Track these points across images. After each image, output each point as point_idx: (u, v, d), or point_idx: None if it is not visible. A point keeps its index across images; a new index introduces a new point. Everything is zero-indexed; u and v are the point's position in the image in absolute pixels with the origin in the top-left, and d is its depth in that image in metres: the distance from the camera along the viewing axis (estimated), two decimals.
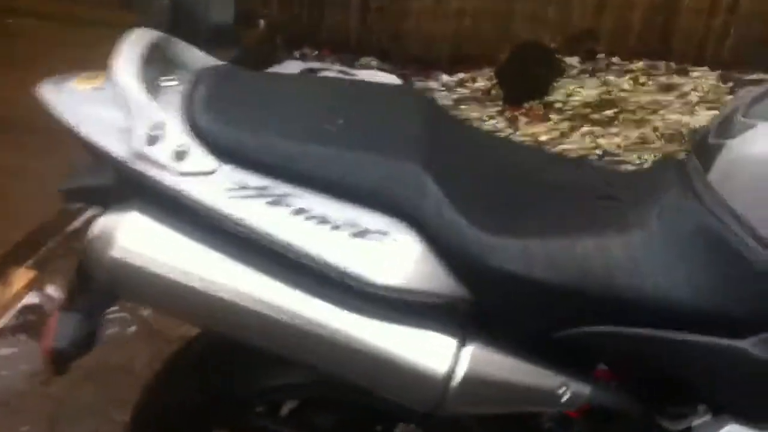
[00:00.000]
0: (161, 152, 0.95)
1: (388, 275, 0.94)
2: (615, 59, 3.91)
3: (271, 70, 2.65)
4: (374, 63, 3.94)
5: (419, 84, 3.78)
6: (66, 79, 1.05)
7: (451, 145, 1.06)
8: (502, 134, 3.31)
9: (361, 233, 0.95)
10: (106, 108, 0.98)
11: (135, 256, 0.98)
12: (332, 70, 2.76)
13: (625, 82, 3.76)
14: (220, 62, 1.15)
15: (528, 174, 1.10)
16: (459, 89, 3.79)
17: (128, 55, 1.01)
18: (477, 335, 0.99)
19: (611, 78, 3.79)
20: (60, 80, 1.05)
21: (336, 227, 0.95)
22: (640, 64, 3.88)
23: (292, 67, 2.98)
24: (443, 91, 3.76)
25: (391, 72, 3.39)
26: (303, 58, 3.90)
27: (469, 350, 0.98)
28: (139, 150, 0.95)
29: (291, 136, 0.99)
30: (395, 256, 0.95)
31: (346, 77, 2.49)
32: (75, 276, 1.09)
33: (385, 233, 0.95)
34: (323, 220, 0.95)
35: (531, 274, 0.95)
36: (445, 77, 3.87)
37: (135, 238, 0.98)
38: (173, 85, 1.04)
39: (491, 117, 3.53)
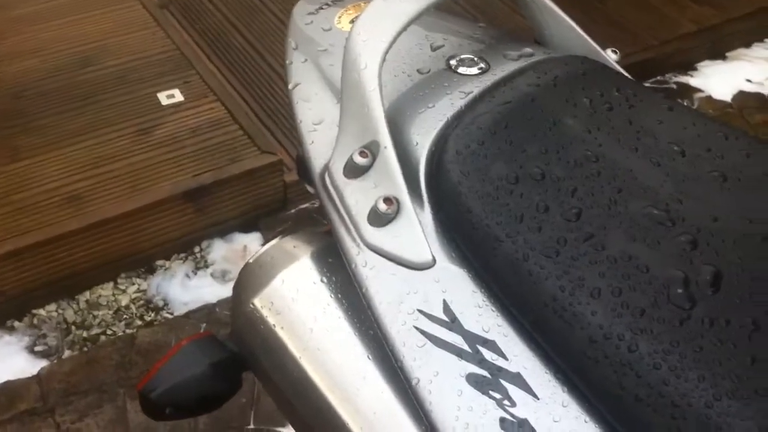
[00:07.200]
0: (355, 196, 0.62)
1: None
2: None
3: None
4: None
5: None
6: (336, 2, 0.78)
7: None
8: None
9: None
10: (334, 72, 0.68)
11: (275, 315, 0.70)
12: None
13: None
14: (592, 46, 0.76)
15: None
16: None
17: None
18: None
19: None
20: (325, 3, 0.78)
21: None
22: None
23: None
24: None
25: None
26: None
27: None
28: (333, 176, 0.64)
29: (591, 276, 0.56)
30: None
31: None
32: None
33: None
34: None
35: None
36: None
37: (286, 294, 0.70)
38: (471, 74, 0.69)
39: None
